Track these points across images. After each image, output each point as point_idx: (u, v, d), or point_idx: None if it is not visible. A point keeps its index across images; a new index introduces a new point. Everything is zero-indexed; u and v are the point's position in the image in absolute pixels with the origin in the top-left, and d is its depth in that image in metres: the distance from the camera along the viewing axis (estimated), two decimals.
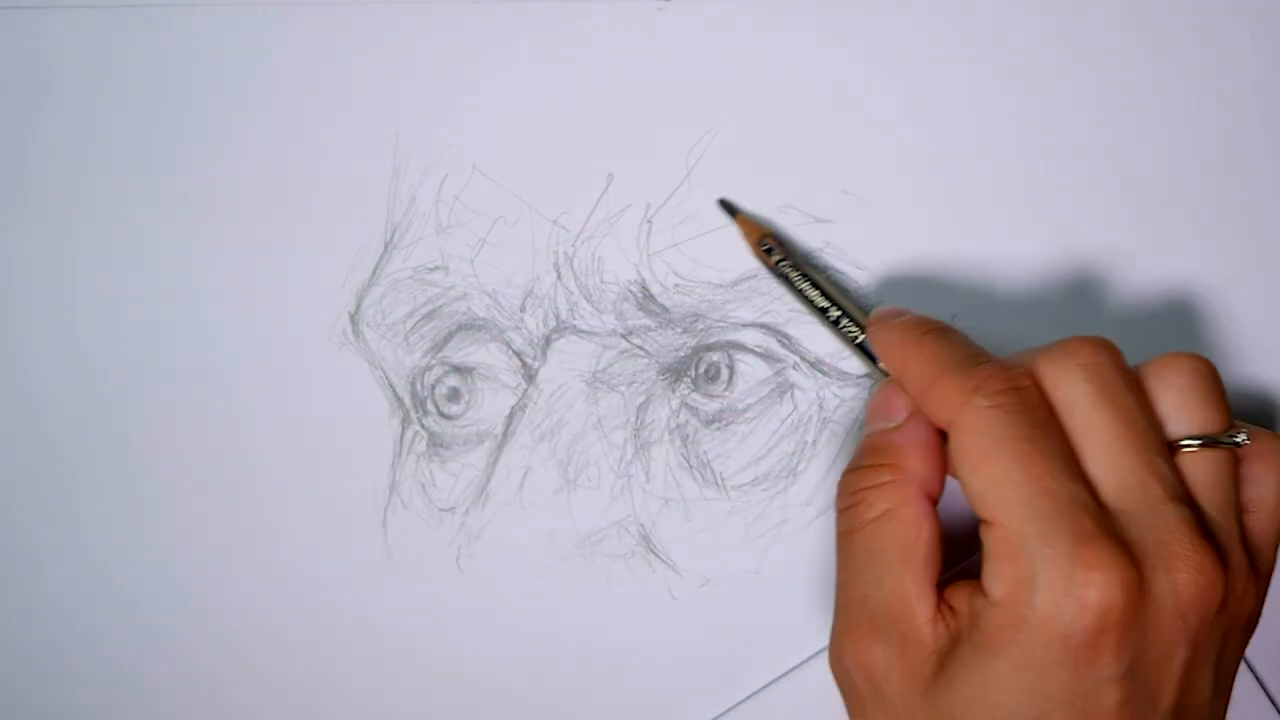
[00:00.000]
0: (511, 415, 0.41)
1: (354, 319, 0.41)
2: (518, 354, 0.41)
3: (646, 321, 0.41)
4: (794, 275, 0.39)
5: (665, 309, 0.41)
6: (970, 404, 0.31)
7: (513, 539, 0.41)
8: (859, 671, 0.33)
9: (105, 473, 0.41)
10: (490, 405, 0.41)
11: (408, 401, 0.41)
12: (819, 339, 0.40)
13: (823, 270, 0.40)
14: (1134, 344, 0.41)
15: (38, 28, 0.42)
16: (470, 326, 0.41)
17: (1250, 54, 0.41)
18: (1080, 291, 0.41)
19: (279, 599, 0.41)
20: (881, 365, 0.36)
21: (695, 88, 0.41)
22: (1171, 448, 0.33)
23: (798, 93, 0.41)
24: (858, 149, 0.41)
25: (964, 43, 0.41)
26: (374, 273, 0.41)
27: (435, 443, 0.41)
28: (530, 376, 0.41)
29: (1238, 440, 0.33)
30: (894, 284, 0.40)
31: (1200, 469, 0.33)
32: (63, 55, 0.42)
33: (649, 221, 0.41)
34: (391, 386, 0.41)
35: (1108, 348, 0.33)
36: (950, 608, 0.32)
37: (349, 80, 0.42)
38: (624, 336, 0.41)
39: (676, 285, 0.41)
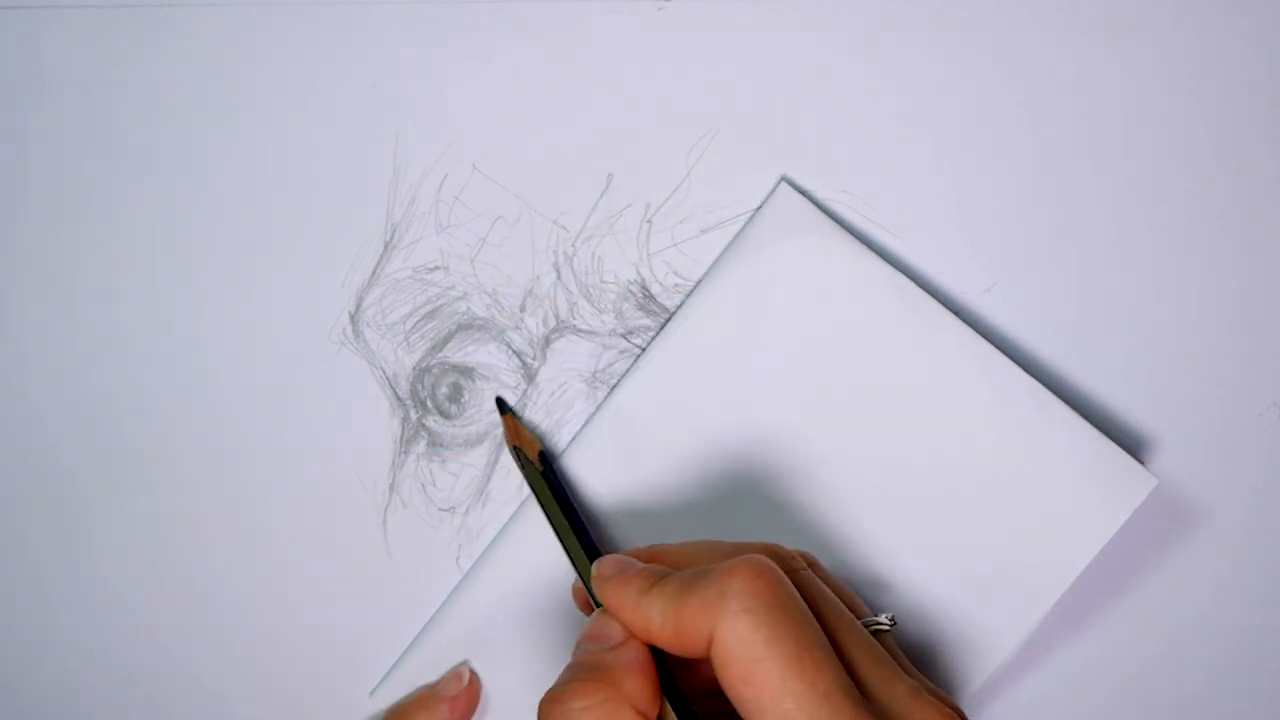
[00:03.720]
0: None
1: (354, 319, 0.41)
2: (518, 354, 0.41)
3: (646, 321, 0.41)
4: (538, 491, 0.38)
5: (665, 309, 0.41)
6: (724, 610, 0.31)
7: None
8: None
9: (104, 472, 0.41)
10: (490, 405, 0.41)
11: (408, 401, 0.41)
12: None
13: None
14: (1135, 338, 0.41)
15: (38, 28, 0.42)
16: (470, 326, 0.41)
17: (1250, 54, 0.41)
18: (1092, 296, 0.41)
19: (279, 598, 0.41)
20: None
21: (695, 88, 0.41)
22: None
23: (797, 93, 0.41)
24: (858, 149, 0.41)
25: (964, 42, 0.41)
26: (374, 273, 0.41)
27: (435, 443, 0.41)
28: (530, 376, 0.41)
29: (888, 621, 0.34)
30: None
31: (883, 644, 0.34)
32: (63, 55, 0.42)
33: (649, 221, 0.41)
34: (391, 386, 0.41)
35: (800, 557, 0.34)
36: None
37: (349, 80, 0.42)
38: (624, 336, 0.41)
39: (676, 285, 0.41)
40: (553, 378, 0.41)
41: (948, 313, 0.39)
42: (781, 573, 0.32)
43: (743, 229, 0.41)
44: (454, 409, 0.41)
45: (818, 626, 0.31)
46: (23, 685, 0.41)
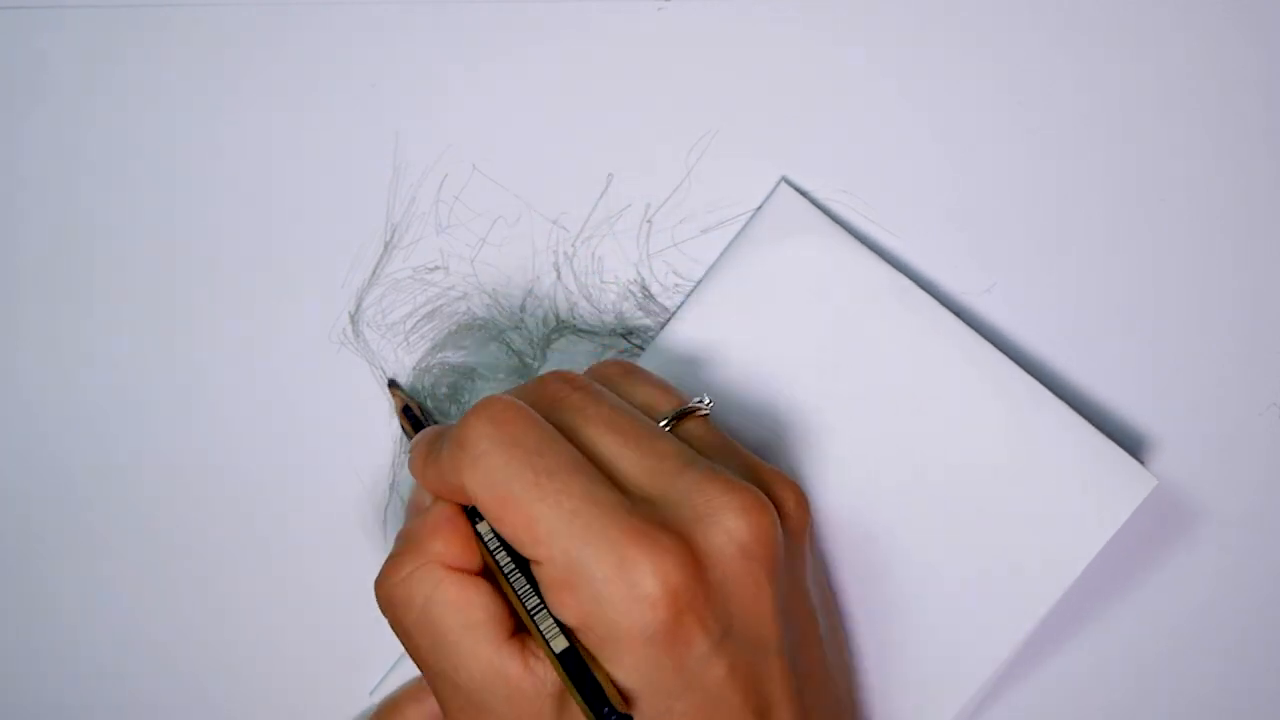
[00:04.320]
0: None
1: (354, 319, 0.41)
2: (518, 354, 0.41)
3: (646, 321, 0.41)
4: (405, 423, 0.40)
5: (665, 309, 0.41)
6: (465, 459, 0.31)
7: None
8: None
9: (103, 472, 0.41)
10: None
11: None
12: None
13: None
14: (1135, 338, 0.41)
15: (38, 28, 0.42)
16: (470, 326, 0.41)
17: (1250, 54, 0.41)
18: (1090, 294, 0.41)
19: (279, 598, 0.41)
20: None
21: (695, 88, 0.41)
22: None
23: (797, 92, 0.41)
24: (858, 149, 0.41)
25: (964, 42, 0.41)
26: (374, 273, 0.41)
27: None
28: (530, 376, 0.41)
29: (705, 404, 0.35)
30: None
31: (693, 435, 0.34)
32: (63, 55, 0.42)
33: (649, 221, 0.41)
34: None
35: (568, 378, 0.34)
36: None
37: (349, 80, 0.42)
38: (624, 336, 0.41)
39: (676, 285, 0.41)
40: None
41: (947, 313, 0.39)
42: (517, 404, 0.32)
43: (743, 229, 0.41)
44: (454, 409, 0.41)
45: (564, 447, 0.31)
46: (21, 686, 0.41)
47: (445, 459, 0.32)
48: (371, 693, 0.41)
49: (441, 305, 0.41)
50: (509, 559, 0.32)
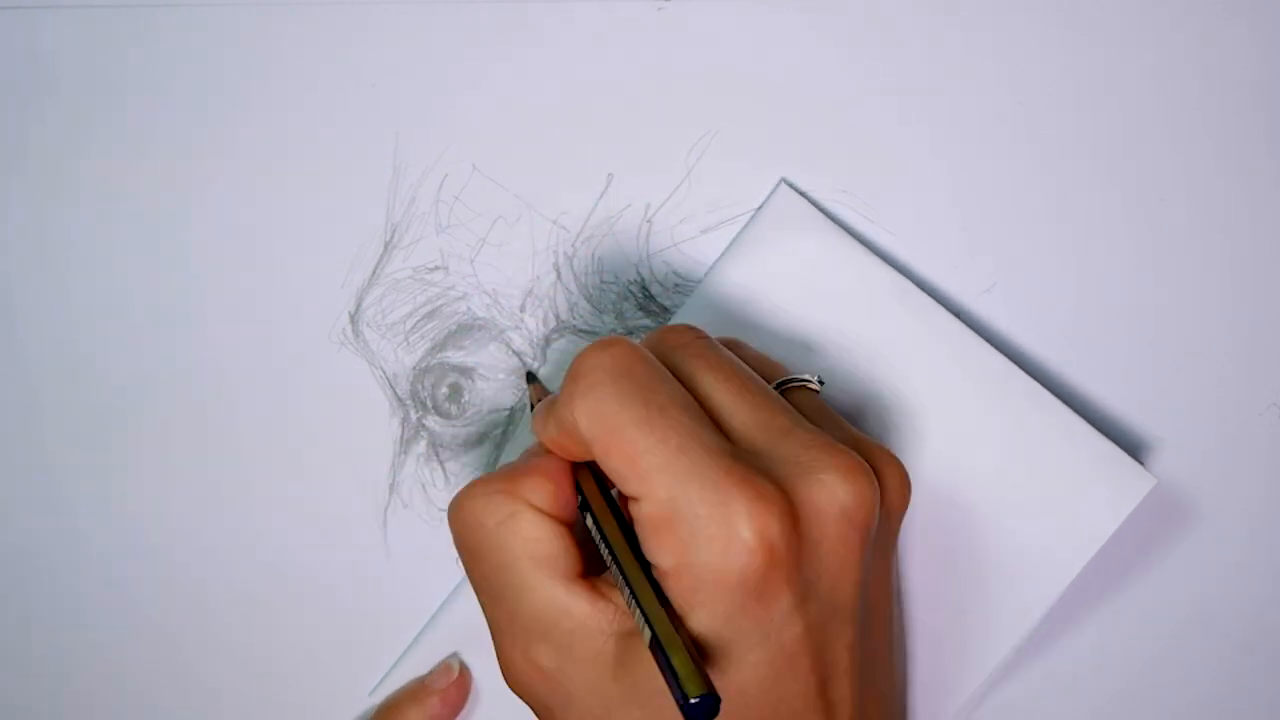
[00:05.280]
0: (511, 415, 0.41)
1: (354, 319, 0.41)
2: (518, 354, 0.41)
3: (646, 321, 0.41)
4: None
5: (665, 309, 0.41)
6: (577, 391, 0.31)
7: None
8: (539, 682, 0.32)
9: (103, 472, 0.41)
10: (490, 405, 0.41)
11: (408, 401, 0.41)
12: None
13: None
14: (1135, 338, 0.41)
15: (38, 28, 0.42)
16: (470, 326, 0.41)
17: (1250, 54, 0.41)
18: (1091, 294, 0.41)
19: (279, 598, 0.41)
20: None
21: (695, 88, 0.41)
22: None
23: (797, 93, 0.41)
24: (858, 149, 0.41)
25: (963, 42, 0.41)
26: (374, 273, 0.41)
27: (435, 443, 0.41)
28: (530, 376, 0.41)
29: (814, 380, 0.35)
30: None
31: (802, 404, 0.34)
32: (63, 55, 0.42)
33: (649, 221, 0.41)
34: (391, 386, 0.41)
35: (692, 329, 0.35)
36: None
37: (349, 80, 0.42)
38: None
39: (676, 285, 0.41)
40: (553, 377, 0.41)
41: (947, 313, 0.39)
42: (631, 343, 0.32)
43: (743, 229, 0.41)
44: (454, 409, 0.41)
45: (676, 387, 0.31)
46: (21, 684, 0.41)
47: (560, 399, 0.32)
48: (371, 693, 0.41)
49: (441, 305, 0.41)
50: (611, 518, 0.32)
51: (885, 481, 0.33)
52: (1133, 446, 0.40)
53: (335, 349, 0.41)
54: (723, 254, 0.41)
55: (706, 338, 0.34)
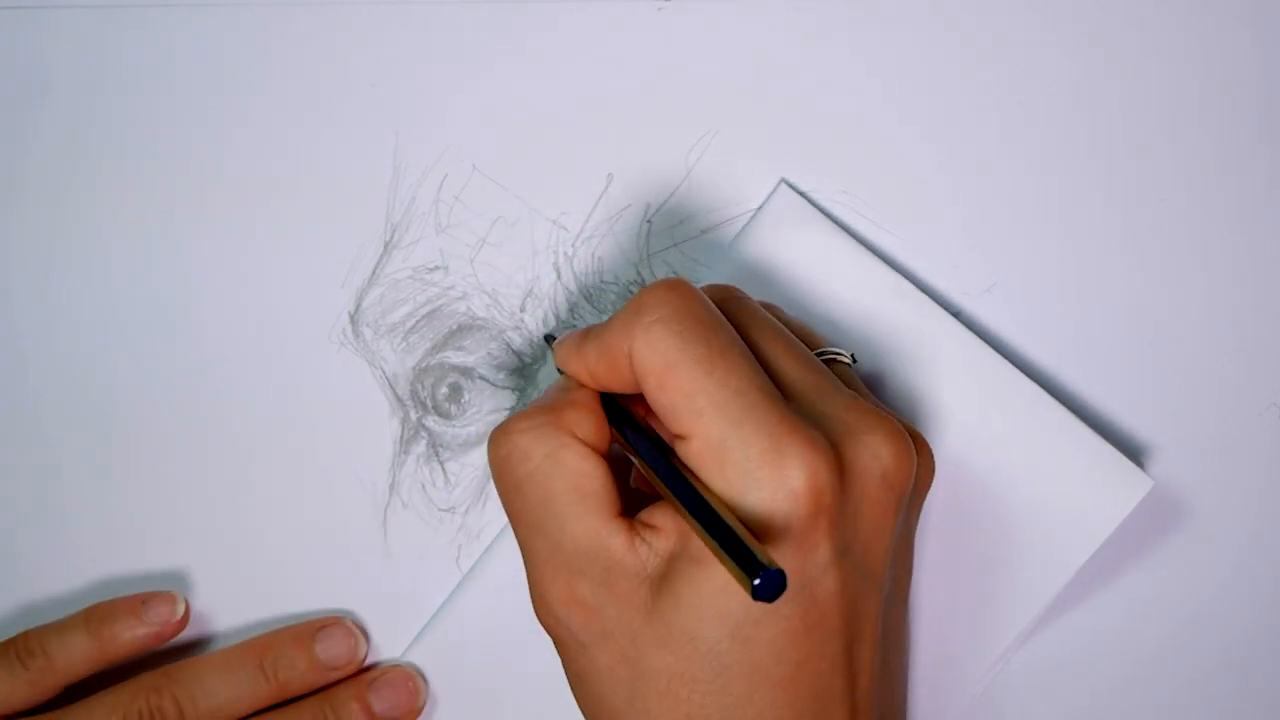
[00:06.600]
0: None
1: (354, 319, 0.41)
2: (518, 354, 0.41)
3: None
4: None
5: None
6: (639, 324, 0.31)
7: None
8: (573, 615, 0.32)
9: (103, 472, 0.41)
10: (490, 405, 0.41)
11: (408, 401, 0.41)
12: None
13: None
14: (1135, 338, 0.41)
15: (38, 28, 0.42)
16: (470, 326, 0.41)
17: (1250, 54, 0.41)
18: (1093, 294, 0.41)
19: (279, 598, 0.41)
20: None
21: (695, 88, 0.41)
22: None
23: (797, 92, 0.41)
24: (858, 149, 0.41)
25: (964, 42, 0.41)
26: (374, 273, 0.41)
27: (435, 443, 0.41)
28: (530, 376, 0.41)
29: (847, 356, 0.36)
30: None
31: (839, 375, 0.35)
32: (63, 55, 0.42)
33: (649, 221, 0.41)
34: (391, 386, 0.41)
35: (736, 288, 0.35)
36: (652, 528, 0.32)
37: (349, 80, 0.42)
38: None
39: None
40: (552, 377, 0.41)
41: (946, 314, 0.39)
42: (695, 288, 0.33)
43: (743, 229, 0.41)
44: (454, 409, 0.41)
45: (735, 335, 0.32)
46: None
47: (613, 329, 0.32)
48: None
49: (441, 305, 0.41)
50: (658, 438, 0.32)
51: (923, 459, 0.34)
52: (1132, 447, 0.40)
53: (335, 349, 0.41)
54: (723, 254, 0.41)
55: (751, 299, 0.35)
